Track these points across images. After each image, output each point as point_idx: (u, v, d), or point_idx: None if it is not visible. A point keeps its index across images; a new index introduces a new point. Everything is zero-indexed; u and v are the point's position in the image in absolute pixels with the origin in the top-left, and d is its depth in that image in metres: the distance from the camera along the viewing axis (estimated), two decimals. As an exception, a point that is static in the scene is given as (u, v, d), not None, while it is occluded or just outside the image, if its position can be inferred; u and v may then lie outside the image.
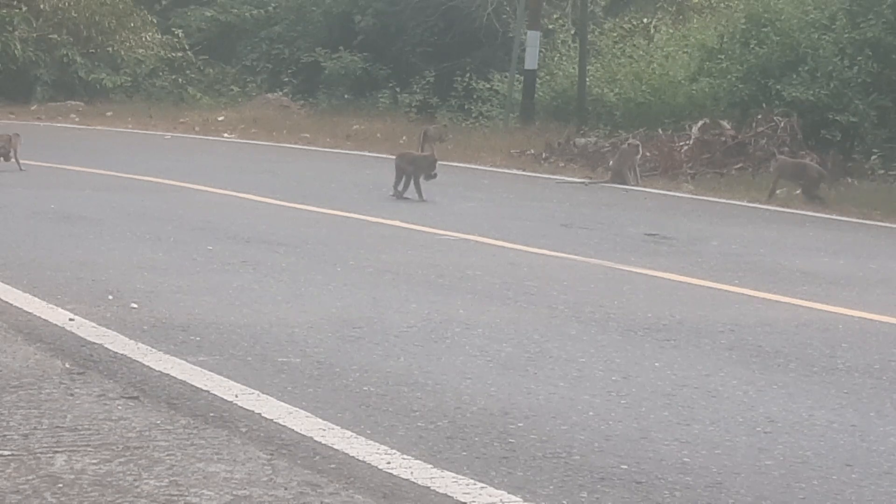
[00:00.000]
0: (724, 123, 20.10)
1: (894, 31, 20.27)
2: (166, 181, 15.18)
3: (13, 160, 15.73)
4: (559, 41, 27.50)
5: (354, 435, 5.07)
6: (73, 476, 4.41)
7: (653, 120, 21.62)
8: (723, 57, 21.84)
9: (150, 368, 5.99)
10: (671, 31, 25.90)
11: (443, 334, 7.09)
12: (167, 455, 4.67)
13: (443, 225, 11.99)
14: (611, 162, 18.20)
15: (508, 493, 4.48)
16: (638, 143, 17.97)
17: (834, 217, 14.79)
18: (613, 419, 5.53)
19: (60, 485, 4.32)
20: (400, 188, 14.40)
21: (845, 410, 5.87)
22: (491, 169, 19.48)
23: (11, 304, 7.37)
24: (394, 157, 15.35)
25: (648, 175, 18.08)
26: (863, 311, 8.37)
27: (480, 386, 6.00)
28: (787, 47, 20.94)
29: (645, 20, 28.16)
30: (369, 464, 4.71)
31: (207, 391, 5.61)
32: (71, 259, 9.22)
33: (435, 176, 14.50)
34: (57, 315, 7.09)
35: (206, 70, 32.99)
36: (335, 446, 4.90)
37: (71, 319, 6.96)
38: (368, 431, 5.14)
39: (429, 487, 4.49)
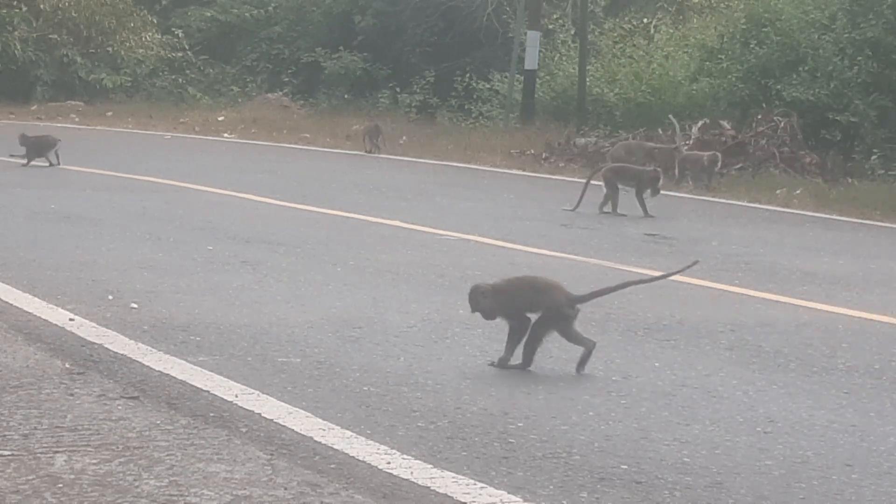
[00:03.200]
0: (724, 123, 20.10)
1: (894, 31, 20.27)
2: (166, 181, 15.18)
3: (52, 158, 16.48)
4: (559, 41, 27.50)
5: (354, 435, 5.07)
6: (73, 476, 4.40)
7: (653, 120, 21.62)
8: (723, 57, 21.84)
9: (150, 368, 5.99)
10: (671, 31, 25.91)
11: (443, 334, 7.08)
12: (167, 455, 4.67)
13: (443, 225, 11.98)
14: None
15: (508, 493, 4.48)
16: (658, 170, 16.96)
17: (834, 217, 14.79)
18: (613, 419, 5.53)
19: (60, 485, 4.32)
20: (608, 208, 13.41)
21: (845, 410, 5.87)
22: (491, 169, 19.48)
23: (11, 304, 7.36)
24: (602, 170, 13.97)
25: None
26: (863, 311, 8.37)
27: (480, 386, 5.99)
28: (787, 47, 20.94)
29: (645, 20, 28.15)
30: (369, 464, 4.71)
31: (207, 391, 5.61)
32: (71, 259, 9.22)
33: (659, 192, 13.66)
34: (57, 315, 7.09)
35: (206, 70, 32.99)
36: (335, 446, 4.90)
37: (71, 319, 6.96)
38: (368, 431, 5.14)
39: (429, 487, 4.48)
